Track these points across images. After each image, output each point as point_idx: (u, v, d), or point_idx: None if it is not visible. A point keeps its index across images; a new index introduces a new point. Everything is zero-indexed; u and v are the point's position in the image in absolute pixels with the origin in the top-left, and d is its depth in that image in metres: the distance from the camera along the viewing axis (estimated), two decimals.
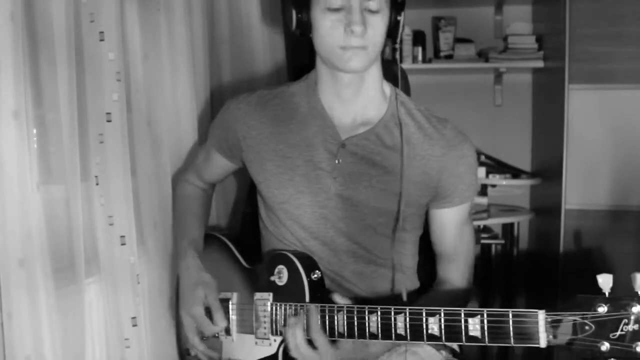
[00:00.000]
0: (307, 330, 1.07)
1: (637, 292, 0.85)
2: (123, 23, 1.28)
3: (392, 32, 1.16)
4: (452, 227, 1.24)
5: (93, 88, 1.21)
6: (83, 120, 1.19)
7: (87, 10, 1.19)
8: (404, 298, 1.16)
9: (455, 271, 1.26)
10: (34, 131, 1.08)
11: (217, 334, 1.25)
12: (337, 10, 1.10)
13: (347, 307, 1.06)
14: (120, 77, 1.23)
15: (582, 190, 2.32)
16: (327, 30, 1.11)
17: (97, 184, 1.23)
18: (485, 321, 0.93)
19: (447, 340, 0.97)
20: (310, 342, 1.07)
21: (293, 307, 1.13)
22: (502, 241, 2.69)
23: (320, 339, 1.05)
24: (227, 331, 1.24)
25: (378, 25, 1.12)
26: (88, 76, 1.20)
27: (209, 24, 1.73)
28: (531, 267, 2.79)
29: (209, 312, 1.19)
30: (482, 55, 2.72)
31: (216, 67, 1.79)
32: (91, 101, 1.21)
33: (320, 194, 1.20)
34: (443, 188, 1.20)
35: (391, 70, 1.25)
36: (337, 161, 1.20)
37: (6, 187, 0.98)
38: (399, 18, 1.15)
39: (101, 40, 1.20)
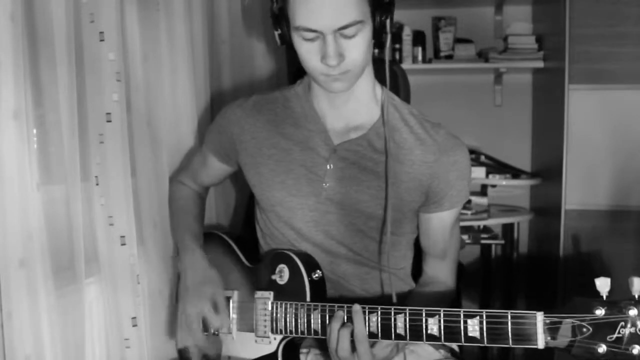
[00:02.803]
0: (352, 333, 1.03)
1: (634, 296, 0.86)
2: (123, 23, 1.28)
3: (379, 34, 1.09)
4: (441, 230, 1.24)
5: (93, 88, 1.21)
6: (83, 120, 1.19)
7: (87, 10, 1.19)
8: (394, 299, 1.16)
9: (444, 269, 1.28)
10: (34, 131, 1.08)
11: (217, 331, 1.26)
12: (312, 40, 1.06)
13: (347, 307, 1.06)
14: (120, 77, 1.23)
15: (582, 190, 2.32)
16: (305, 58, 1.08)
17: (97, 184, 1.23)
18: (485, 322, 0.94)
19: (446, 340, 0.97)
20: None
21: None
22: (502, 241, 2.70)
23: (364, 347, 1.02)
24: (228, 329, 1.24)
25: (358, 47, 1.06)
26: (88, 76, 1.20)
27: (209, 24, 1.73)
28: (531, 267, 2.80)
29: (214, 308, 1.20)
30: (482, 55, 2.72)
31: (216, 68, 1.79)
32: (91, 101, 1.21)
33: (311, 197, 1.21)
34: (433, 193, 1.20)
35: (388, 71, 1.24)
36: (328, 166, 1.20)
37: (6, 187, 0.98)
38: (384, 19, 1.08)
39: (101, 40, 1.20)
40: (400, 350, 1.08)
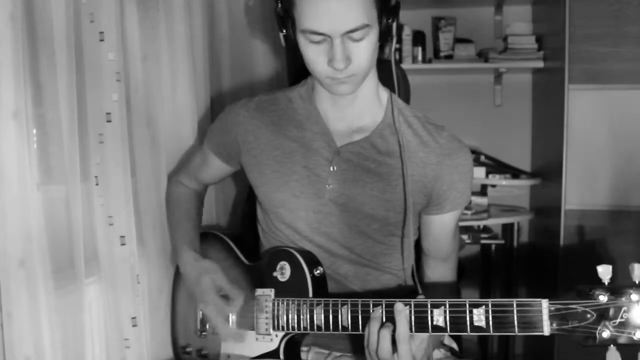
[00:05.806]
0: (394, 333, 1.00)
1: (635, 282, 0.87)
2: (123, 23, 1.28)
3: (384, 37, 1.09)
4: (442, 232, 1.24)
5: (93, 88, 1.21)
6: (83, 120, 1.19)
7: (87, 10, 1.19)
8: (419, 290, 1.15)
9: (445, 272, 1.28)
10: (34, 131, 1.08)
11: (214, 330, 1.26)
12: (318, 42, 1.05)
13: (352, 301, 1.05)
14: (120, 77, 1.23)
15: (582, 190, 2.32)
16: (312, 60, 1.08)
17: (97, 184, 1.23)
18: (490, 311, 0.94)
19: (452, 331, 0.98)
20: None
21: (298, 302, 1.11)
22: (502, 241, 2.69)
23: (406, 347, 0.99)
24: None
25: (364, 50, 1.06)
26: (88, 76, 1.21)
27: (209, 24, 1.73)
28: (531, 267, 2.80)
29: (223, 295, 1.19)
30: (482, 55, 2.72)
31: (216, 67, 1.79)
32: (91, 101, 1.21)
33: (314, 199, 1.21)
34: (436, 195, 1.19)
35: (390, 72, 1.24)
36: (332, 168, 1.20)
37: (6, 187, 0.99)
38: (390, 21, 1.07)
39: (101, 40, 1.20)
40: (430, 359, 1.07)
